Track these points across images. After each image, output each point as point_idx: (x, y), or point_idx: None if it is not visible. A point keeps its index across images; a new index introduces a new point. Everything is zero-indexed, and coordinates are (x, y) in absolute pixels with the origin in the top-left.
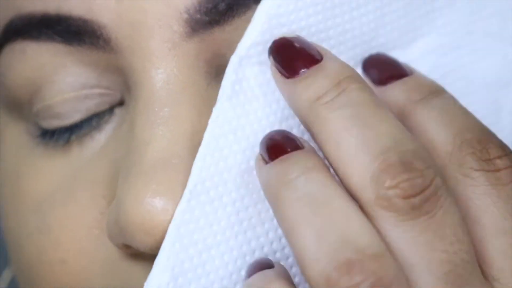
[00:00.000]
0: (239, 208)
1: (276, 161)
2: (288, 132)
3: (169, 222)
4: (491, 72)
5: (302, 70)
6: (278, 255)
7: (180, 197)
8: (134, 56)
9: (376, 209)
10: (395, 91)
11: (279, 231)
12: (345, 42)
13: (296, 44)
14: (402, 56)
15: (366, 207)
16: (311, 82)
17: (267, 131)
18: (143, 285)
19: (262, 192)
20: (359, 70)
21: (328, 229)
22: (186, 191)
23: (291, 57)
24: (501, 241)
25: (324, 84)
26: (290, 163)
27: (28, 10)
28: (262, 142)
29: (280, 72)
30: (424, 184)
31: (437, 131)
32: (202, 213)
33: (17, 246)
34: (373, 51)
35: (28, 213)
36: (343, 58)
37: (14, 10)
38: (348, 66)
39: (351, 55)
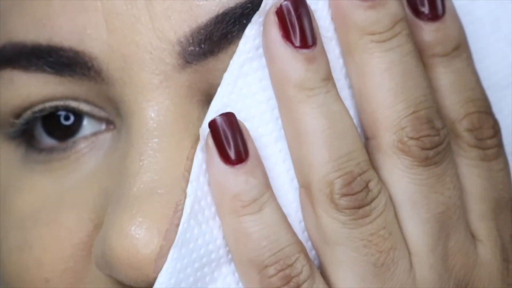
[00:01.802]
0: None
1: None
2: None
3: (155, 254)
4: (492, 72)
5: None
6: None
7: (167, 227)
8: (125, 88)
9: (395, 150)
10: (425, 35)
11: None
12: None
13: None
14: None
15: (383, 145)
16: (372, 15)
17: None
18: None
19: None
20: None
21: (340, 142)
22: (186, 211)
23: None
24: (482, 207)
25: (383, 23)
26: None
27: (20, 39)
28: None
29: None
30: (440, 141)
31: (449, 94)
32: (200, 232)
33: (1, 262)
34: None
35: (10, 229)
36: None
37: (5, 38)
38: (402, 7)
39: None
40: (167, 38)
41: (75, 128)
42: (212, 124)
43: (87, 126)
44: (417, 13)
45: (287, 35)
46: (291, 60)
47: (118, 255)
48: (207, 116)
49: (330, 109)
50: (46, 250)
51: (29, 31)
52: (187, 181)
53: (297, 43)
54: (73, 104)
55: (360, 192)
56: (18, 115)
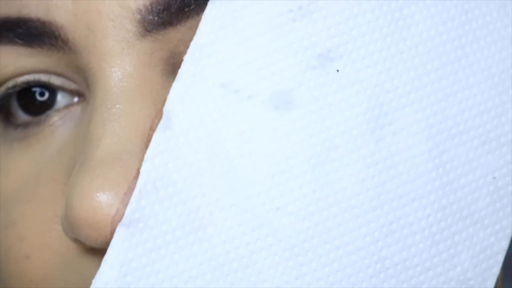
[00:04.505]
0: (190, 208)
1: None
2: None
3: (114, 217)
4: (495, 62)
5: None
6: (231, 255)
7: (125, 192)
8: (91, 55)
9: None
10: None
11: (232, 232)
12: None
13: None
14: (394, 46)
15: None
16: None
17: (222, 133)
18: None
19: (214, 193)
20: None
21: None
22: (136, 191)
23: None
24: None
25: None
26: None
27: None
28: None
29: None
30: None
31: None
32: (152, 213)
33: None
34: None
35: None
36: None
37: None
38: None
39: None
40: (127, 6)
41: (49, 102)
42: None
43: (61, 100)
44: None
45: None
46: None
47: (78, 215)
48: (170, 98)
49: None
50: (27, 227)
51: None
52: None
53: None
54: (44, 78)
55: None
56: None
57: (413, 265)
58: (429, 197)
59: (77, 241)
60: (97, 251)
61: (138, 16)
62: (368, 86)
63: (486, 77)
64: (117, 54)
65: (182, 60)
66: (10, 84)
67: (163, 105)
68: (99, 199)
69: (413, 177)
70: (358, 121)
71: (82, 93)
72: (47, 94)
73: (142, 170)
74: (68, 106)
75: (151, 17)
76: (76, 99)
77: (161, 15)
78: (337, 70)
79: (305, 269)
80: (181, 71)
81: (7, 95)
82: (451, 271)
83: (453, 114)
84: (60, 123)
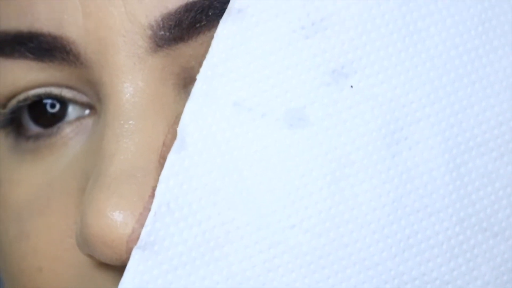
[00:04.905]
0: (206, 228)
1: None
2: None
3: (128, 236)
4: None
5: None
6: (248, 273)
7: (141, 211)
8: (102, 70)
9: None
10: None
11: (249, 250)
12: None
13: None
14: (408, 60)
15: None
16: None
17: (235, 151)
18: None
19: (229, 212)
20: None
21: None
22: (151, 213)
23: None
24: None
25: None
26: None
27: (3, 28)
28: None
29: None
30: None
31: None
32: (167, 235)
33: (2, 256)
34: None
35: (8, 221)
36: None
37: None
38: None
39: None
40: (138, 22)
41: (60, 114)
42: None
43: (72, 112)
44: None
45: None
46: None
47: (94, 233)
48: (183, 117)
49: None
50: (40, 239)
51: (11, 19)
52: (163, 168)
53: None
54: (55, 91)
55: None
56: (3, 105)
57: (431, 279)
58: (447, 210)
59: (91, 255)
60: (109, 266)
61: (150, 32)
62: (383, 101)
63: (504, 87)
64: (129, 69)
65: (193, 74)
66: (21, 97)
67: (175, 120)
68: (115, 217)
69: (430, 191)
70: (373, 137)
71: (93, 106)
72: (58, 106)
73: (156, 192)
74: (79, 118)
75: (162, 32)
76: (87, 111)
77: (172, 31)
78: (351, 86)
79: (322, 286)
80: (194, 90)
81: (19, 108)
82: (471, 284)
83: (471, 126)
84: (72, 135)
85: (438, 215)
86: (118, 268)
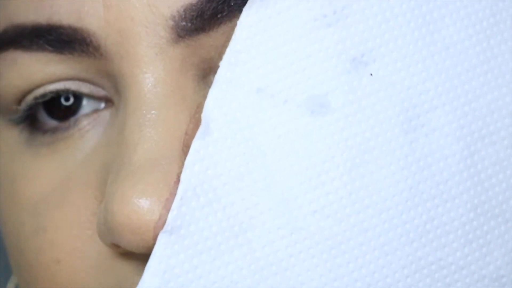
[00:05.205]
0: (230, 214)
1: None
2: None
3: (155, 222)
4: None
5: None
6: (271, 258)
7: (167, 197)
8: (122, 61)
9: None
10: None
11: (271, 236)
12: None
13: None
14: (425, 49)
15: None
16: None
17: (259, 137)
18: (135, 284)
19: (253, 198)
20: None
21: None
22: (177, 198)
23: None
24: None
25: None
26: None
27: (20, 21)
28: None
29: None
30: None
31: None
32: (193, 219)
33: (16, 250)
34: None
35: (25, 215)
36: None
37: (6, 21)
38: None
39: None
40: (161, 13)
41: (74, 107)
42: None
43: (87, 105)
44: None
45: None
46: None
47: (120, 221)
48: (207, 103)
49: None
50: (58, 231)
51: (29, 12)
52: (186, 156)
53: None
54: (74, 87)
55: None
56: (19, 101)
57: (447, 264)
58: (462, 197)
59: (112, 245)
60: (131, 256)
61: (171, 23)
62: (401, 89)
63: None
64: (150, 60)
65: (212, 65)
66: (39, 92)
67: (196, 110)
68: (142, 204)
69: (445, 178)
70: (391, 124)
71: (110, 99)
72: (72, 99)
73: (182, 177)
74: (96, 111)
75: (184, 23)
76: (102, 105)
77: (194, 21)
78: (371, 74)
79: (342, 271)
80: (217, 77)
81: (35, 105)
82: (484, 269)
83: (483, 115)
84: (89, 127)
85: (453, 202)
86: (139, 257)
